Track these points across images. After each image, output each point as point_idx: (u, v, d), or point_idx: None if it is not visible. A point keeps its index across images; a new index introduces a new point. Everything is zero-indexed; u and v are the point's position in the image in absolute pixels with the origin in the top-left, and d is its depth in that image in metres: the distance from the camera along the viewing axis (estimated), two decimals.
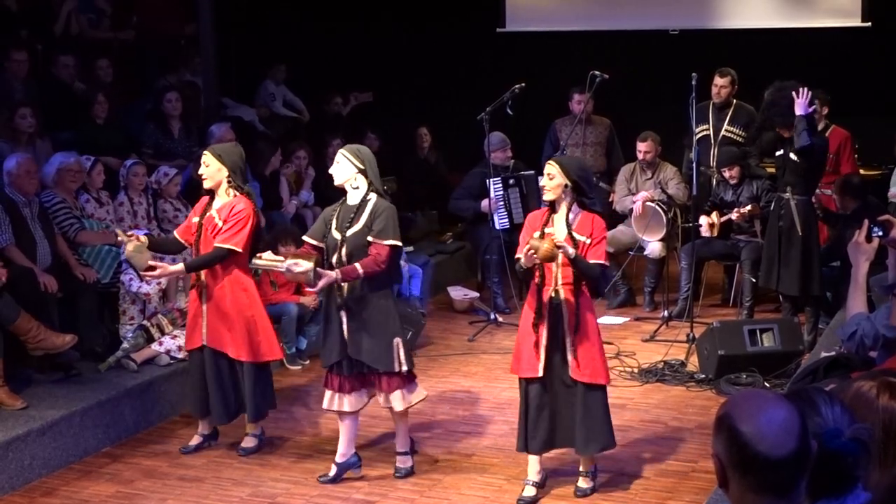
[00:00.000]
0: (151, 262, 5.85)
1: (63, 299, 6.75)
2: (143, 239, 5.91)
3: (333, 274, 5.38)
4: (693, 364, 7.47)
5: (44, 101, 8.28)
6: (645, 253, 9.02)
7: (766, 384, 6.93)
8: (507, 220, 8.89)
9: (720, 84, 8.91)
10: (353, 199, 5.53)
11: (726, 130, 8.94)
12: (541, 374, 5.31)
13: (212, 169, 5.92)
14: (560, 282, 5.28)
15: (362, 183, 5.51)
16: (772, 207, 7.91)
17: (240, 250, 5.86)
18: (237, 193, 5.93)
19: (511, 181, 8.94)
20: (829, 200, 8.45)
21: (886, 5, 10.02)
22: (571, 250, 5.14)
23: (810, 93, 7.36)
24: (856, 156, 9.15)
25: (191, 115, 9.13)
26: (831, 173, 8.60)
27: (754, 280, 8.29)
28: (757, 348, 7.18)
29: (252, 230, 5.91)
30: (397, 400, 5.59)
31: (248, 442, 6.19)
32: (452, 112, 10.44)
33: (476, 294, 9.35)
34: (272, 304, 7.77)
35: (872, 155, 9.75)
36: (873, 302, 5.48)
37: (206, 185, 5.97)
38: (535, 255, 5.10)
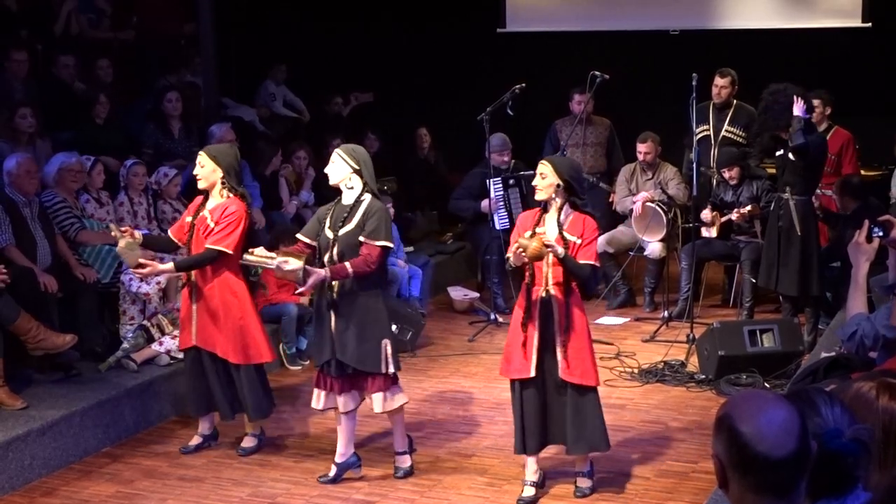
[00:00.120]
0: (142, 260, 5.86)
1: (63, 299, 6.75)
2: (138, 236, 5.92)
3: (323, 272, 5.38)
4: (693, 364, 7.47)
5: (44, 101, 8.28)
6: (645, 253, 9.02)
7: (766, 385, 6.93)
8: (507, 220, 8.88)
9: (720, 84, 8.91)
10: (347, 198, 5.54)
11: (726, 131, 8.94)
12: (533, 374, 5.30)
13: (207, 170, 5.93)
14: (550, 282, 5.27)
15: (357, 183, 5.52)
16: (771, 208, 7.92)
17: (230, 252, 5.86)
18: (231, 195, 5.94)
19: (511, 181, 8.94)
20: (829, 201, 8.45)
21: (886, 6, 10.02)
22: (561, 250, 5.14)
23: (808, 99, 7.41)
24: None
25: (191, 116, 9.13)
26: (833, 174, 8.61)
27: (754, 281, 8.29)
28: (757, 349, 7.18)
29: (244, 232, 5.91)
30: (377, 402, 5.58)
31: (248, 442, 6.20)
32: (453, 112, 10.45)
33: (476, 294, 9.35)
34: (272, 305, 7.78)
35: (872, 155, 9.75)
36: (873, 302, 5.48)
37: (201, 185, 5.98)
38: (523, 254, 5.11)
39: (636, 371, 7.49)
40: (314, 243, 5.57)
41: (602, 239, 9.16)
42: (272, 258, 5.43)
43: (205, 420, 6.25)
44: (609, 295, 9.25)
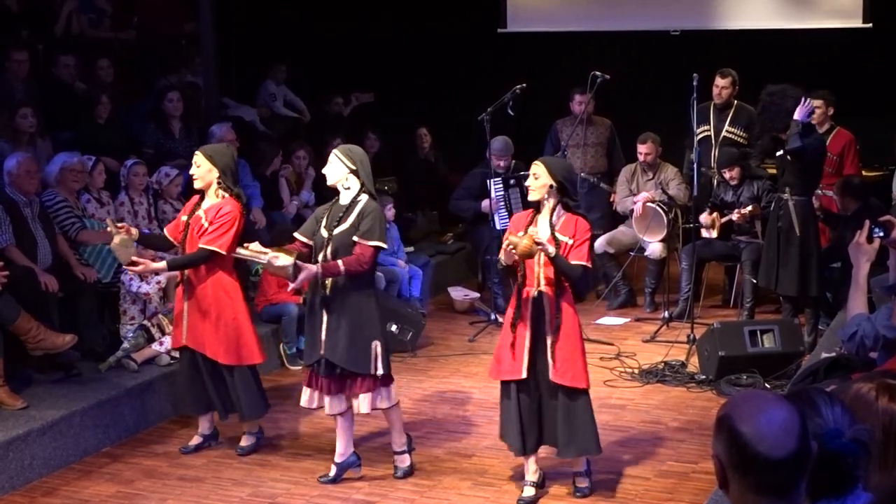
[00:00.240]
0: (134, 258, 5.87)
1: (63, 299, 6.75)
2: (134, 232, 5.94)
3: (314, 268, 5.39)
4: (693, 365, 7.47)
5: (44, 101, 8.28)
6: (646, 254, 9.02)
7: (766, 385, 6.93)
8: (507, 220, 8.84)
9: (721, 85, 8.91)
10: (344, 198, 5.55)
11: (727, 131, 8.94)
12: (524, 375, 5.29)
13: (202, 169, 5.94)
14: (542, 282, 5.27)
15: (354, 183, 5.52)
16: (772, 208, 7.92)
17: (223, 252, 5.86)
18: (226, 195, 5.94)
19: (512, 181, 8.93)
20: (830, 202, 8.45)
21: (887, 6, 10.02)
22: (552, 249, 5.13)
23: (810, 103, 7.42)
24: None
25: (191, 116, 9.14)
26: (835, 175, 8.60)
27: (755, 281, 8.29)
28: (757, 349, 7.18)
29: (238, 232, 5.91)
30: (364, 402, 5.56)
31: (246, 441, 6.20)
32: (453, 112, 10.44)
33: (476, 294, 9.35)
34: (272, 304, 7.79)
35: (873, 156, 9.75)
36: (874, 303, 5.48)
37: (197, 185, 6.00)
38: (513, 251, 5.11)
39: (636, 371, 7.48)
40: (311, 242, 5.59)
41: (602, 239, 9.19)
42: (264, 253, 5.45)
43: (204, 420, 6.25)
44: (609, 295, 9.25)
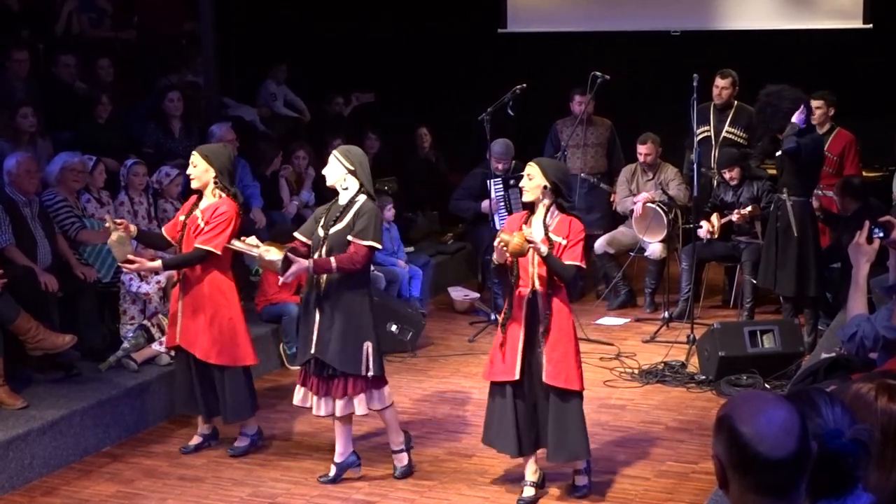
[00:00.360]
0: (130, 256, 5.88)
1: (63, 299, 6.74)
2: (133, 229, 5.95)
3: (305, 263, 5.39)
4: (693, 365, 7.47)
5: (45, 101, 8.28)
6: (646, 254, 9.02)
7: (766, 385, 6.93)
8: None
9: (721, 85, 8.91)
10: (342, 199, 5.56)
11: (727, 132, 8.95)
12: (517, 377, 5.27)
13: (199, 169, 5.96)
14: (537, 282, 5.26)
15: (352, 183, 5.53)
16: (771, 208, 7.93)
17: (218, 252, 5.86)
18: (223, 195, 5.95)
19: (512, 181, 8.94)
20: (831, 202, 8.45)
21: (887, 7, 10.02)
22: (544, 248, 5.12)
23: (806, 109, 7.50)
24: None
25: (192, 115, 9.14)
26: (835, 175, 8.61)
27: (755, 281, 8.29)
28: (757, 350, 7.18)
29: (233, 233, 5.91)
30: (361, 404, 5.54)
31: (240, 441, 6.19)
32: (453, 112, 10.45)
33: (476, 294, 9.35)
34: (272, 304, 7.79)
35: (873, 156, 9.75)
36: (874, 303, 5.48)
37: (194, 185, 6.03)
38: (505, 249, 5.11)
39: (636, 372, 7.48)
40: (310, 242, 5.60)
41: (602, 239, 9.20)
42: (256, 247, 5.48)
43: (201, 417, 6.24)
44: (609, 295, 9.26)
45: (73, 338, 6.33)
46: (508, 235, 5.13)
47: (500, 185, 8.94)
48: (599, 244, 9.18)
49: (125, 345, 6.78)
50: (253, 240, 5.60)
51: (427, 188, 10.65)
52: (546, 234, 5.22)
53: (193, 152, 6.06)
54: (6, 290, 6.07)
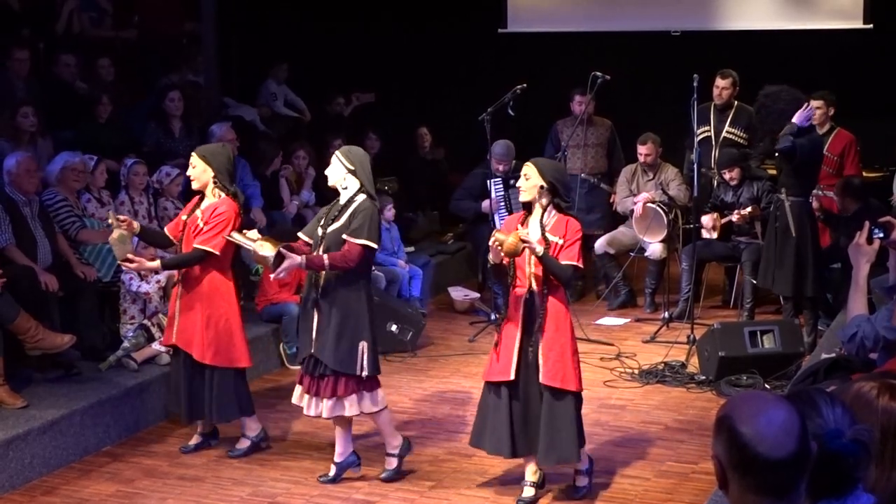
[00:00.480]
0: (130, 255, 5.88)
1: (64, 298, 6.74)
2: (136, 226, 5.95)
3: (299, 259, 5.38)
4: (693, 365, 7.47)
5: (45, 100, 8.28)
6: (646, 254, 9.02)
7: (766, 386, 6.93)
8: None
9: (721, 85, 8.92)
10: (342, 198, 5.57)
11: (727, 132, 8.95)
12: (512, 377, 5.25)
13: (198, 170, 5.97)
14: (534, 282, 5.26)
15: (352, 183, 5.53)
16: (770, 209, 7.94)
17: (217, 252, 5.86)
18: (223, 194, 5.95)
19: (512, 181, 8.93)
20: (831, 202, 8.45)
21: (888, 7, 10.02)
22: (539, 248, 5.11)
23: (811, 109, 7.48)
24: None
25: (192, 115, 9.14)
26: (835, 175, 8.61)
27: (755, 282, 8.29)
28: (757, 350, 7.18)
29: (233, 231, 5.91)
30: (352, 405, 5.52)
31: (241, 444, 6.18)
32: (454, 112, 10.45)
33: (477, 294, 9.35)
34: (273, 304, 7.79)
35: (873, 157, 9.75)
36: (874, 304, 5.48)
37: (194, 186, 6.04)
38: (500, 249, 5.10)
39: (636, 372, 7.48)
40: (311, 241, 5.60)
41: (603, 240, 9.20)
42: (253, 241, 5.49)
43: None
44: (609, 295, 9.26)
45: (71, 338, 6.33)
46: (503, 235, 5.13)
47: (501, 185, 8.94)
48: (600, 244, 9.19)
49: (125, 344, 6.78)
50: (254, 234, 5.60)
51: (427, 188, 10.66)
52: (543, 234, 5.22)
53: (193, 153, 6.07)
54: (6, 290, 6.07)
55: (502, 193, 8.94)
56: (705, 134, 8.89)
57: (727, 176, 8.57)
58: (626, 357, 7.79)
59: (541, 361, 5.20)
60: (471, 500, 5.52)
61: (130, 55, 10.26)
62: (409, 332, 8.11)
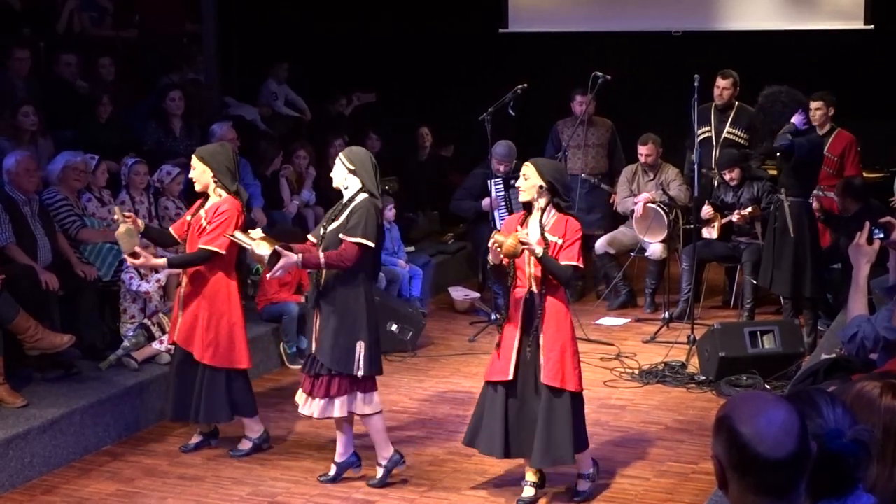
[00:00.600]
0: (137, 249, 5.87)
1: (64, 297, 6.74)
2: (141, 224, 5.95)
3: (294, 258, 5.37)
4: (693, 365, 7.48)
5: (46, 100, 8.28)
6: (646, 254, 9.02)
7: (766, 386, 6.93)
8: None
9: (722, 86, 8.92)
10: (344, 198, 5.58)
11: (728, 132, 8.95)
12: (510, 377, 5.24)
13: (198, 171, 5.98)
14: (534, 283, 5.25)
15: (352, 183, 5.53)
16: (770, 209, 7.94)
17: (222, 252, 5.86)
18: (225, 193, 5.96)
19: (512, 181, 8.92)
20: (831, 203, 8.45)
21: (888, 8, 10.02)
22: (539, 249, 5.11)
23: (804, 112, 7.53)
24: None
25: (193, 114, 9.14)
26: (836, 176, 8.61)
27: (755, 282, 8.29)
28: (758, 350, 7.18)
29: (236, 230, 5.90)
30: (342, 406, 5.48)
31: (243, 444, 6.18)
32: (454, 112, 10.45)
33: (477, 294, 9.35)
34: (273, 304, 7.79)
35: (874, 157, 9.75)
36: (874, 304, 5.48)
37: (196, 187, 6.05)
38: (499, 250, 5.10)
39: (636, 372, 7.48)
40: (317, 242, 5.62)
41: (603, 240, 9.20)
42: (253, 240, 5.49)
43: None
44: (610, 296, 9.26)
45: (71, 338, 6.33)
46: (502, 237, 5.12)
47: (501, 185, 8.94)
48: (600, 244, 9.19)
49: (125, 343, 6.79)
50: (258, 232, 5.59)
51: (428, 188, 10.66)
52: (542, 234, 5.21)
53: (193, 155, 6.07)
54: (6, 289, 6.07)
55: (503, 193, 8.94)
56: (706, 134, 8.89)
57: (727, 176, 8.56)
58: (627, 357, 7.79)
59: (542, 361, 5.19)
60: (471, 500, 5.52)
61: (131, 55, 10.26)
62: (409, 331, 8.11)
